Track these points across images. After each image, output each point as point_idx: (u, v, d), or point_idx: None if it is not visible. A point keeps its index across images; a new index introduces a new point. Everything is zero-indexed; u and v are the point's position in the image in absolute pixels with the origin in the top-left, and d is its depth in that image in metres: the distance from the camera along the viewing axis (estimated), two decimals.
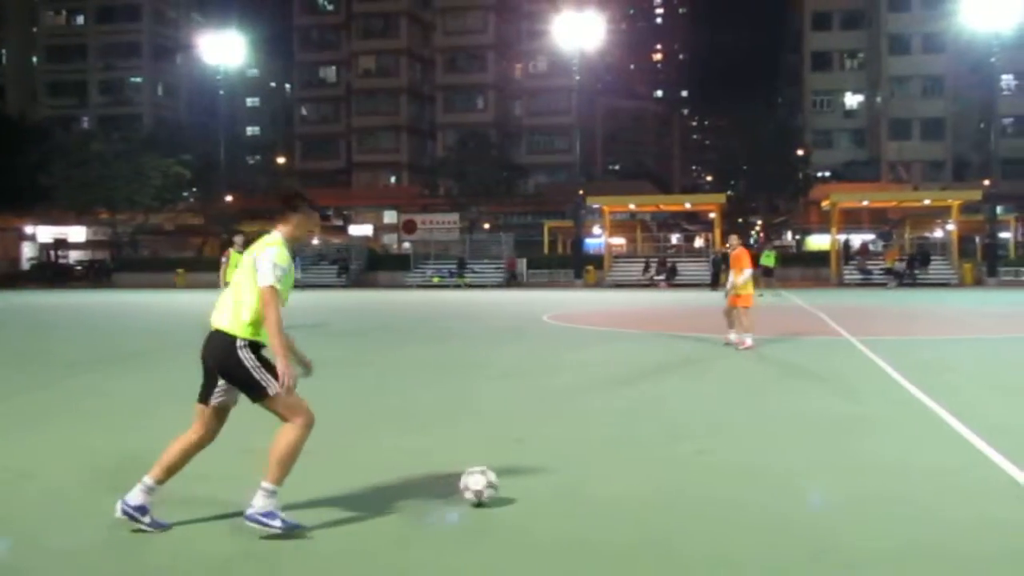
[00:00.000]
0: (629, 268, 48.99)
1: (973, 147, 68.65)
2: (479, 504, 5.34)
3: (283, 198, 5.12)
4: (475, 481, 5.36)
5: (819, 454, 6.95)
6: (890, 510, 5.38)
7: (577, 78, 58.87)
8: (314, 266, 50.59)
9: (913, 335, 17.72)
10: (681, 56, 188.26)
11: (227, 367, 4.77)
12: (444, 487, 5.70)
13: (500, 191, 65.12)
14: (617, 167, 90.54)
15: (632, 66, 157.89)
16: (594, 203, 52.74)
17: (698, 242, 61.60)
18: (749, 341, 14.55)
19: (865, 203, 52.65)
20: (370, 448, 7.18)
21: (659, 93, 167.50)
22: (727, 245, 16.24)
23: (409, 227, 54.79)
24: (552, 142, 77.88)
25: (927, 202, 50.48)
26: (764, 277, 34.80)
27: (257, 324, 4.76)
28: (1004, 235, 58.32)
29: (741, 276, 14.85)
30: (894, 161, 73.95)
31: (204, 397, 4.91)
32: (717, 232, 49.50)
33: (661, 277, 46.48)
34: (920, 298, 32.45)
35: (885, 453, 6.94)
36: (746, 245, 20.57)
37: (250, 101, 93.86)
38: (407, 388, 10.48)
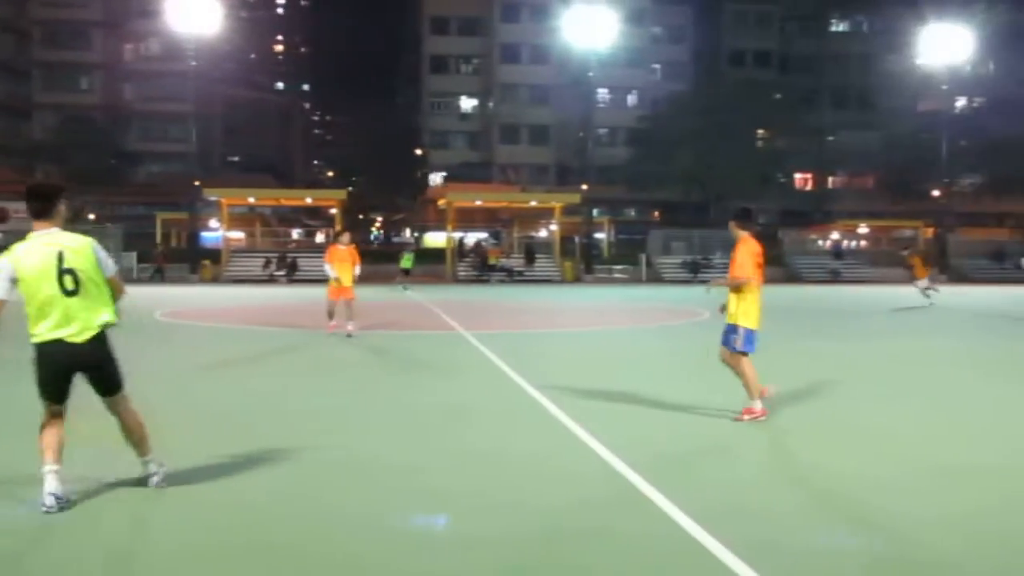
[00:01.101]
0: (248, 263, 47.62)
1: (574, 154, 74.89)
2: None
3: None
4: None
5: (428, 444, 7.14)
6: (495, 499, 5.65)
7: (194, 63, 56.06)
8: None
9: (520, 329, 18.89)
10: (303, 49, 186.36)
11: None
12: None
13: (108, 179, 60.31)
14: (237, 159, 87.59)
15: (253, 56, 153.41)
16: (212, 195, 50.56)
17: (319, 237, 61.40)
18: (350, 327, 15.74)
19: (478, 203, 55.59)
20: None
21: (280, 85, 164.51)
22: (340, 242, 16.52)
23: (1, 216, 48.98)
24: (167, 130, 73.46)
25: (533, 203, 54.39)
26: (404, 277, 38.05)
27: None
28: (599, 235, 64.67)
29: (335, 270, 15.95)
30: (504, 164, 78.87)
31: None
32: (338, 228, 49.51)
33: (281, 273, 45.69)
34: (527, 294, 34.75)
35: (488, 440, 7.29)
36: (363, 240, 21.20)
37: None
38: None
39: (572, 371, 11.58)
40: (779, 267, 53.29)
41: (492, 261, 46.57)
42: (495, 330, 17.97)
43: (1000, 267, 54.40)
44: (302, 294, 33.04)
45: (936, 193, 62.74)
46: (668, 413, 8.48)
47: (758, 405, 8.00)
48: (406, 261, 38.86)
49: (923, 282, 27.30)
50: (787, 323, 20.17)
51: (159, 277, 45.24)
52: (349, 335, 15.47)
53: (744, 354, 8.01)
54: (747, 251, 8.01)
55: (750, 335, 8.03)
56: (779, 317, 23.45)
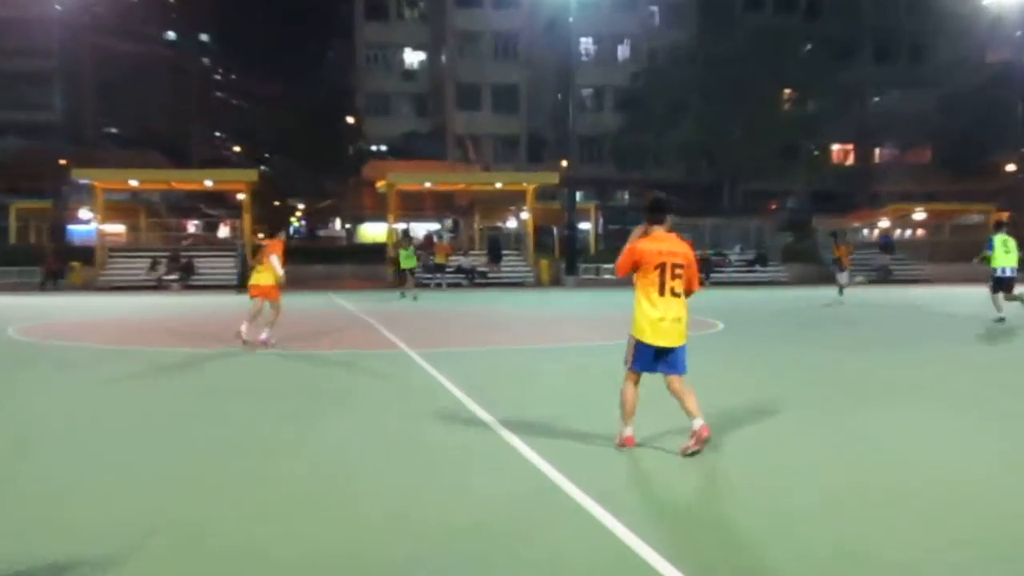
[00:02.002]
0: (130, 265, 47.22)
1: (550, 122, 75.16)
2: None
3: None
4: None
5: (373, 484, 7.12)
6: (462, 548, 5.52)
7: (58, 7, 55.56)
8: None
9: (481, 345, 18.81)
10: None
11: None
12: None
13: None
14: (116, 131, 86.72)
15: None
16: (83, 178, 50.06)
17: (223, 231, 61.06)
18: (264, 335, 17.13)
19: (428, 185, 55.64)
20: None
21: (172, 35, 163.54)
22: (259, 236, 16.75)
23: None
24: (24, 93, 72.73)
25: (499, 185, 54.51)
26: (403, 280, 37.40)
27: None
28: (583, 226, 64.83)
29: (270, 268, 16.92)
30: (462, 135, 78.89)
31: None
32: (247, 219, 49.35)
33: (173, 277, 45.34)
34: (491, 301, 34.69)
35: (441, 486, 7.15)
36: (287, 235, 21.59)
37: None
38: None
39: (546, 399, 11.56)
40: (811, 264, 53.76)
41: (439, 260, 46.27)
42: (450, 347, 18.04)
43: None
44: (201, 304, 32.74)
45: (1011, 168, 63.49)
46: (665, 454, 8.40)
47: (628, 431, 8.51)
48: (406, 259, 36.89)
49: (844, 276, 30.47)
50: (818, 338, 20.21)
51: (52, 284, 44.55)
52: (266, 345, 17.19)
53: (632, 372, 8.52)
54: (639, 249, 8.48)
55: (638, 350, 8.46)
56: (806, 329, 23.38)
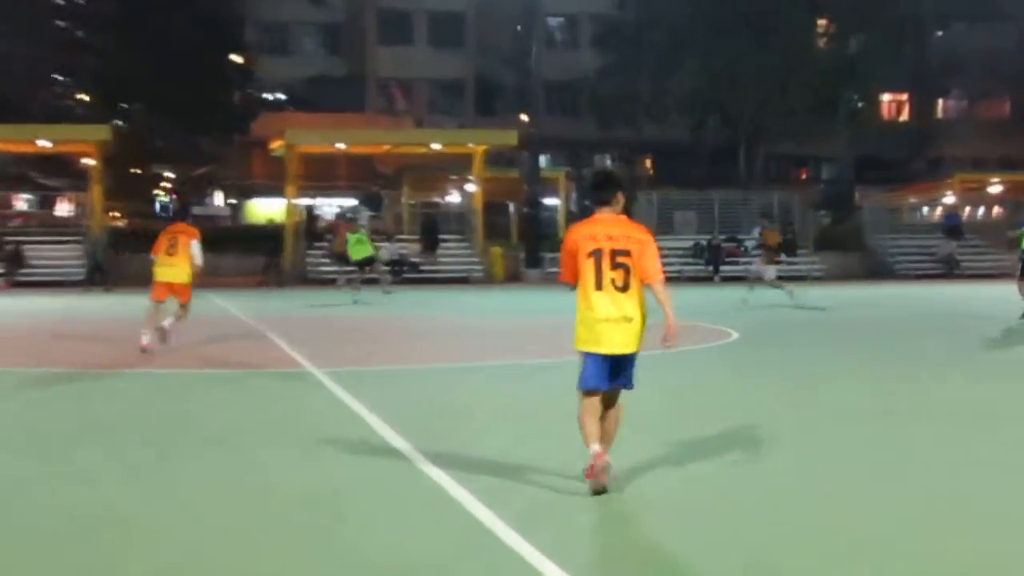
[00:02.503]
0: None
1: (506, 63, 74.85)
2: None
3: None
4: None
5: (279, 551, 7.14)
6: None
7: None
8: None
9: (407, 363, 18.84)
10: None
11: None
12: None
13: None
14: None
15: None
16: None
17: (63, 208, 60.56)
18: (145, 340, 18.42)
19: (340, 147, 55.40)
20: None
21: None
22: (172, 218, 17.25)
23: None
24: None
25: (437, 147, 54.38)
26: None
27: None
28: (550, 202, 64.86)
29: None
30: (387, 80, 78.72)
31: None
32: (96, 192, 48.99)
33: None
34: (424, 303, 34.71)
35: (371, 545, 7.12)
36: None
37: None
38: None
39: (488, 429, 11.65)
40: (856, 252, 54.18)
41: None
42: (368, 365, 18.11)
43: None
44: (34, 308, 32.48)
45: None
46: (632, 497, 8.50)
47: (594, 447, 8.56)
48: (357, 247, 36.30)
49: (771, 271, 32.55)
50: (868, 351, 20.34)
51: None
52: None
53: (582, 392, 8.75)
54: (571, 238, 8.83)
55: (583, 363, 8.71)
56: (847, 338, 23.55)
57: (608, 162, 78.12)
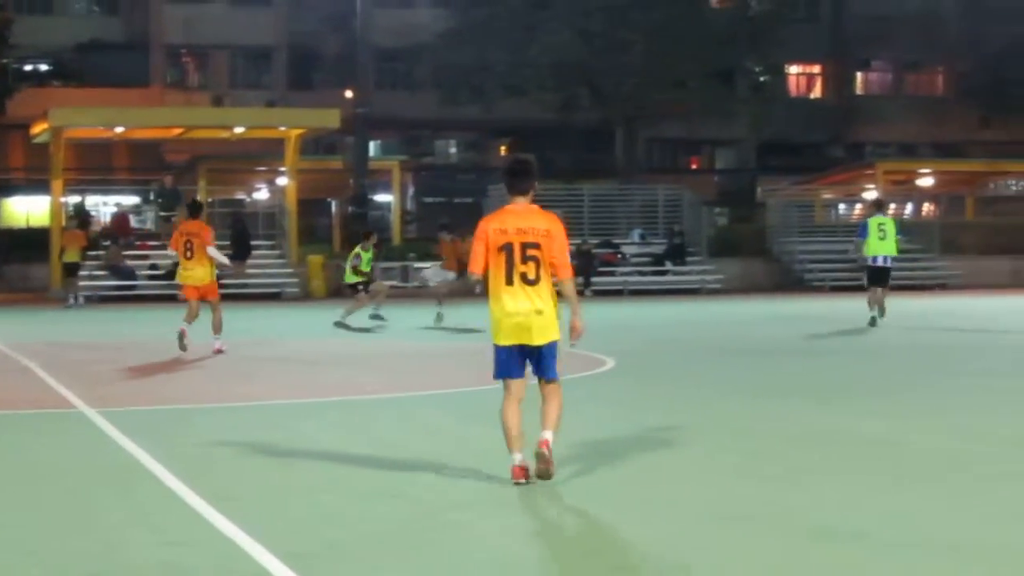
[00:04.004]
0: None
1: (325, 25, 74.44)
2: None
3: None
4: None
5: None
6: None
7: None
8: None
9: (205, 400, 18.74)
10: None
11: None
12: None
13: None
14: None
15: None
16: None
17: None
18: (218, 344, 22.81)
19: (119, 131, 54.64)
20: None
21: None
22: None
23: None
24: None
25: (240, 131, 54.04)
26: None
27: None
28: (383, 198, 64.94)
29: None
30: (177, 47, 78.19)
31: None
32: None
33: None
34: (228, 326, 34.45)
35: None
36: None
37: None
38: None
39: (311, 485, 11.61)
40: (760, 259, 54.77)
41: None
42: (156, 404, 18.02)
43: None
44: None
45: None
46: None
47: (516, 457, 10.85)
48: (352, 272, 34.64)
49: (447, 277, 33.66)
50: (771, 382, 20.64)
51: None
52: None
53: (504, 385, 10.98)
54: (483, 229, 10.85)
55: (496, 355, 10.89)
56: (752, 366, 23.90)
57: (452, 149, 78.42)
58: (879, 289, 30.95)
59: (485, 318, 11.60)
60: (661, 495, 10.88)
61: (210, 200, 56.81)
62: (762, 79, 76.32)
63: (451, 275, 33.68)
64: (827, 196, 64.56)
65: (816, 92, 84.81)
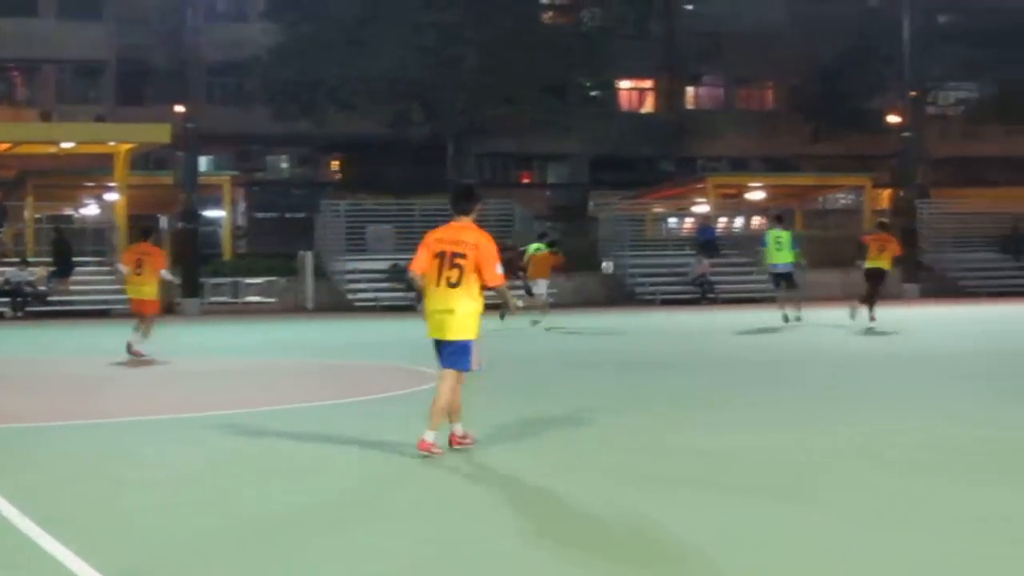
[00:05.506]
0: None
1: (157, 39, 73.22)
2: None
3: None
4: None
5: None
6: None
7: None
8: None
9: (16, 420, 18.48)
10: None
11: None
12: None
13: None
14: None
15: None
16: None
17: None
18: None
19: None
20: None
21: None
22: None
23: None
24: None
25: (67, 146, 53.11)
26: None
27: None
28: (214, 214, 64.40)
29: None
30: (4, 61, 76.96)
31: None
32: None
33: None
34: (44, 343, 34.14)
35: None
36: None
37: None
38: None
39: (148, 506, 11.62)
40: (593, 272, 55.02)
41: None
42: None
43: (1017, 265, 58.68)
44: None
45: (895, 119, 66.75)
46: None
47: (429, 436, 13.02)
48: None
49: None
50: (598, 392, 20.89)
51: None
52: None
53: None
54: (429, 238, 13.26)
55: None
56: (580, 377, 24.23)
57: (283, 164, 78.02)
58: (784, 293, 35.69)
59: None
60: (484, 505, 11.19)
61: (37, 216, 56.36)
62: (594, 94, 76.83)
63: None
64: (658, 210, 64.94)
65: (648, 107, 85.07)
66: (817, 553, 9.24)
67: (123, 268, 27.21)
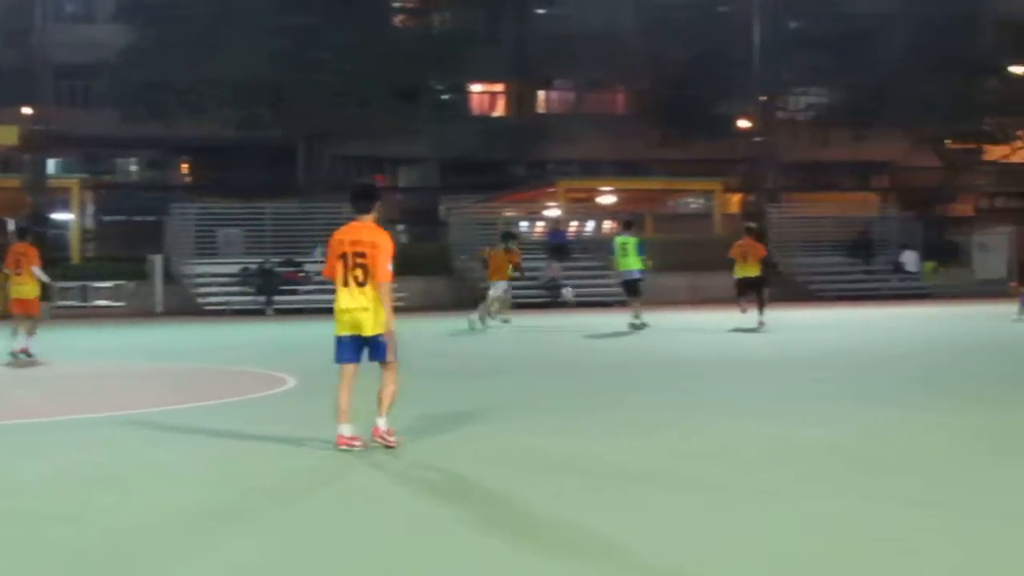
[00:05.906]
0: None
1: (4, 38, 72.12)
2: None
3: None
4: None
5: None
6: None
7: None
8: None
9: None
10: None
11: None
12: None
13: None
14: None
15: None
16: None
17: None
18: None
19: None
20: None
21: None
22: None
23: None
24: None
25: None
26: None
27: None
28: (61, 216, 63.61)
29: None
30: None
31: None
32: None
33: None
34: None
35: None
36: None
37: None
38: None
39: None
40: (444, 277, 55.02)
41: None
42: None
43: (865, 269, 59.67)
44: None
45: (745, 124, 67.36)
46: None
47: (342, 428, 13.66)
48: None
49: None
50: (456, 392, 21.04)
51: None
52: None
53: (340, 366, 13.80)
54: (333, 240, 13.63)
55: (336, 343, 13.77)
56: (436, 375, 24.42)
57: (132, 167, 77.28)
58: (632, 298, 36.63)
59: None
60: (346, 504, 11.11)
61: None
62: (445, 98, 76.83)
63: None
64: (509, 214, 64.96)
65: (499, 111, 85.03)
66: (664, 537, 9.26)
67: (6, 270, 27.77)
